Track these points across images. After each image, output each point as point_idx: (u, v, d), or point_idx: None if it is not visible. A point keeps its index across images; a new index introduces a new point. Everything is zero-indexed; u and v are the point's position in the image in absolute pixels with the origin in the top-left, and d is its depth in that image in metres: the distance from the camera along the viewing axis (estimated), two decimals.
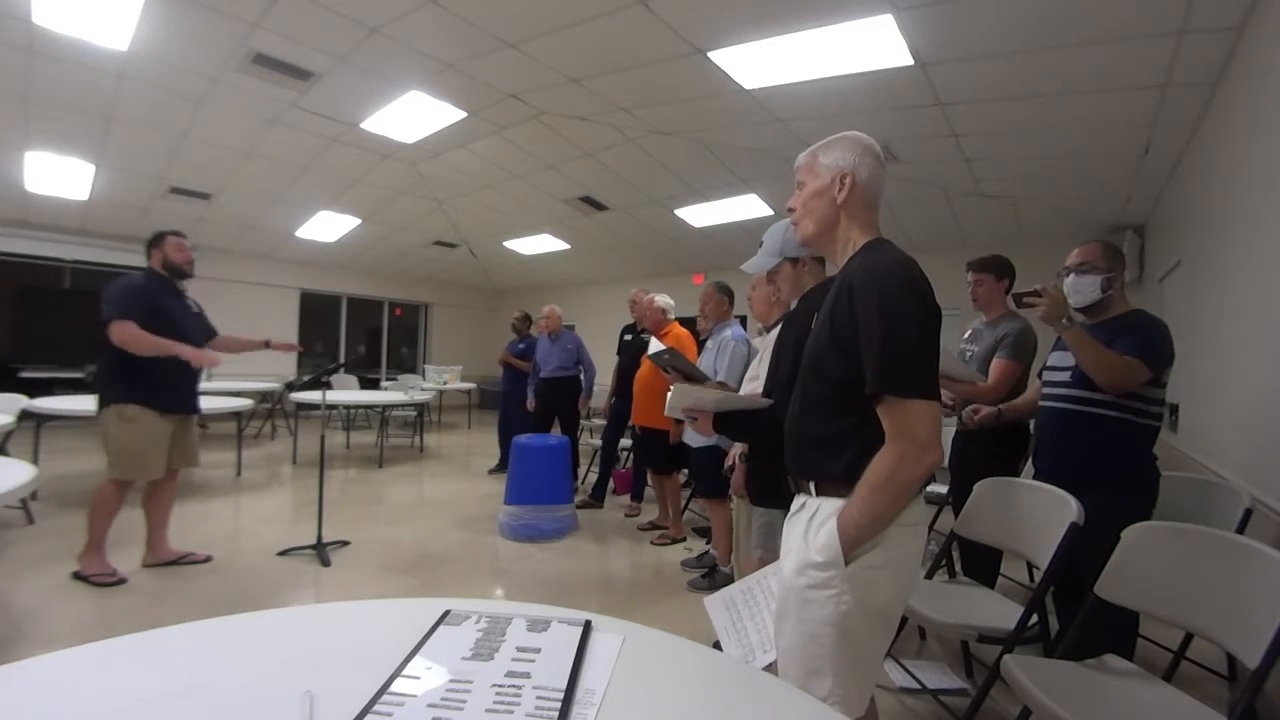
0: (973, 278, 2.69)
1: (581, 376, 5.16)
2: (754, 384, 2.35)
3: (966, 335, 2.76)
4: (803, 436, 1.20)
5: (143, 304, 2.81)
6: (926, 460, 1.02)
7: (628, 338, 4.74)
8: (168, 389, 2.90)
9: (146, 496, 3.03)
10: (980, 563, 2.49)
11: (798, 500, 1.23)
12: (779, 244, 1.79)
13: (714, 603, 1.40)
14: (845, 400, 1.10)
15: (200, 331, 3.11)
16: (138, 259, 3.11)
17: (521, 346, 5.83)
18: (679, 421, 3.45)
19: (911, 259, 1.11)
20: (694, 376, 1.90)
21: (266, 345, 3.39)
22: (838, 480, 1.11)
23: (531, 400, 5.27)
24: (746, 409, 1.58)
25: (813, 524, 1.13)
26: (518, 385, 5.65)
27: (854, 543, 1.05)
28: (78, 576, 2.78)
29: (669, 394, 1.50)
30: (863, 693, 1.10)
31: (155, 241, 3.03)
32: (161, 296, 2.92)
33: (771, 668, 1.16)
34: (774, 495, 1.82)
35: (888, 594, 1.08)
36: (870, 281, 1.07)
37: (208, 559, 3.13)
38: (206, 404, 5.00)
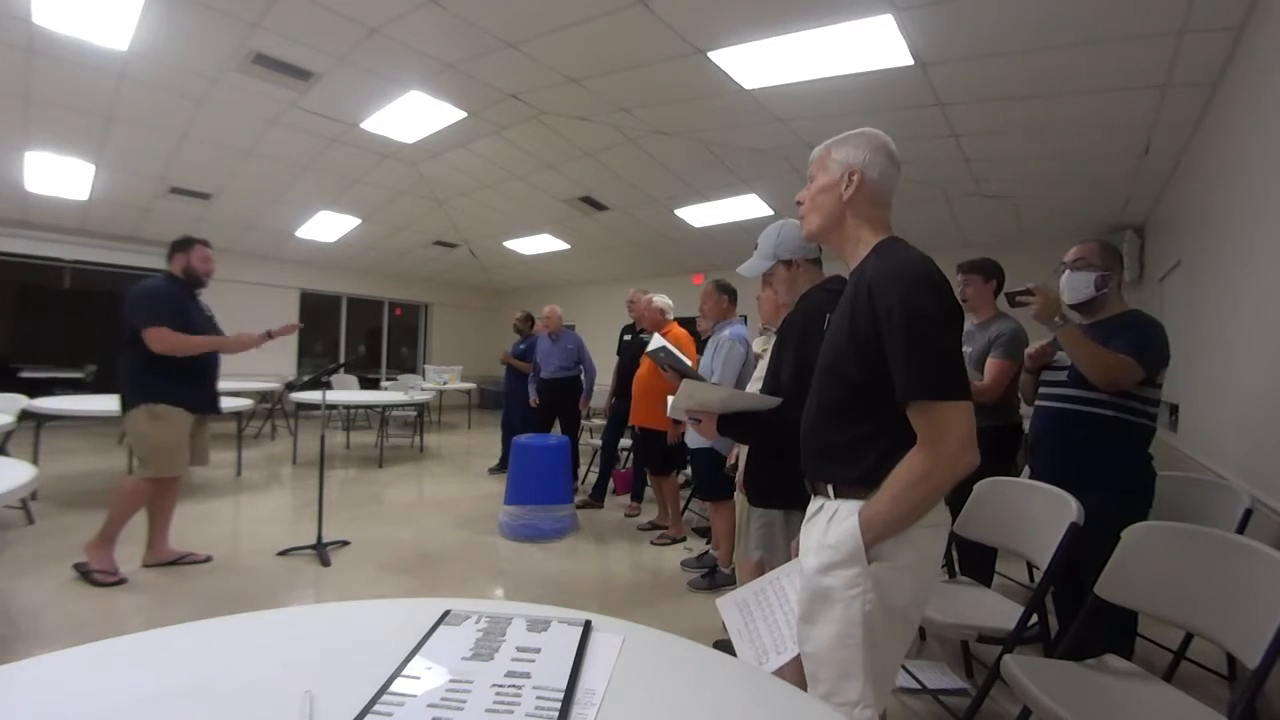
0: (961, 279, 2.70)
1: (582, 377, 5.16)
2: (758, 386, 2.34)
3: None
4: (820, 441, 1.18)
5: (172, 309, 2.89)
6: (964, 462, 1.01)
7: (627, 338, 4.75)
8: (193, 388, 2.98)
9: (152, 496, 3.02)
10: (975, 562, 2.49)
11: (815, 503, 1.21)
12: (772, 247, 1.79)
13: (726, 604, 1.39)
14: (864, 404, 1.09)
15: (213, 333, 3.15)
16: (137, 259, 3.11)
17: (523, 347, 5.83)
18: (677, 422, 3.45)
19: (928, 257, 1.09)
20: (688, 376, 1.91)
21: (268, 336, 3.38)
22: (856, 484, 1.10)
23: (534, 397, 5.27)
24: (752, 409, 1.56)
25: (832, 525, 1.12)
26: (520, 385, 5.66)
27: (878, 537, 1.04)
28: (79, 568, 2.77)
29: (672, 394, 1.49)
30: (885, 693, 1.10)
31: (182, 246, 3.06)
32: (184, 301, 2.98)
33: (782, 670, 1.15)
34: (774, 496, 1.81)
35: (910, 595, 1.07)
36: (890, 283, 1.05)
37: (208, 559, 3.13)
38: None
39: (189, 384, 2.95)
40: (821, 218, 1.21)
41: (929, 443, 1.02)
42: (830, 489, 1.15)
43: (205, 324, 3.10)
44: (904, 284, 1.04)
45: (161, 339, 2.81)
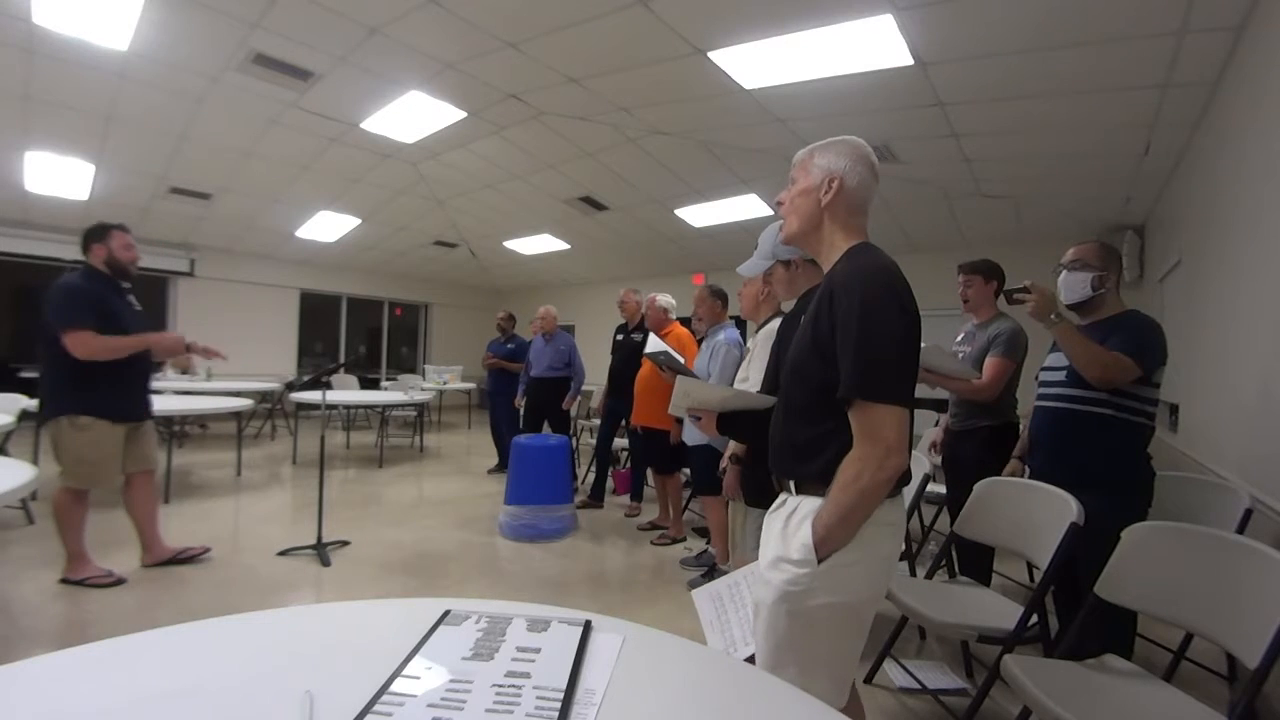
0: (962, 279, 2.70)
1: (571, 379, 5.15)
2: (744, 385, 2.34)
3: (959, 338, 2.76)
4: (784, 440, 1.22)
5: (93, 309, 2.63)
6: (891, 463, 1.04)
7: (619, 338, 4.75)
8: (119, 398, 2.76)
9: (127, 502, 2.97)
10: (973, 562, 2.49)
11: (779, 498, 1.25)
12: (770, 247, 1.80)
13: (701, 595, 1.42)
14: (825, 405, 1.12)
15: (143, 331, 2.93)
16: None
17: (511, 347, 5.80)
18: (679, 421, 3.45)
19: (893, 263, 1.12)
20: (685, 375, 1.90)
21: (187, 349, 3.10)
22: (815, 480, 1.13)
23: (520, 396, 5.25)
24: (751, 408, 1.57)
25: (791, 521, 1.15)
26: (505, 386, 5.65)
27: (824, 543, 1.07)
28: (68, 581, 2.72)
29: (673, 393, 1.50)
30: (835, 685, 1.13)
31: (98, 235, 2.77)
32: (108, 297, 2.74)
33: (752, 659, 1.18)
34: (770, 496, 1.81)
35: (859, 590, 1.10)
36: (851, 287, 1.09)
37: (206, 550, 3.13)
38: (207, 404, 5.02)
39: (117, 392, 2.72)
40: (800, 221, 1.25)
41: (859, 442, 1.06)
42: (792, 485, 1.19)
43: (133, 320, 2.84)
44: (864, 288, 1.07)
45: (84, 344, 2.55)
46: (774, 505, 1.26)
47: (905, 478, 1.12)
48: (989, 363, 2.48)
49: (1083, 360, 1.82)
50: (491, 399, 5.97)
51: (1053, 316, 1.86)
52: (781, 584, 1.11)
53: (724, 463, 2.69)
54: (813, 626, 1.08)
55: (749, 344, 3.18)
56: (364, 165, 5.58)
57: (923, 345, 2.50)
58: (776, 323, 2.38)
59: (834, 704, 1.09)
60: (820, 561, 1.07)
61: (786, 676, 1.06)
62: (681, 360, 1.93)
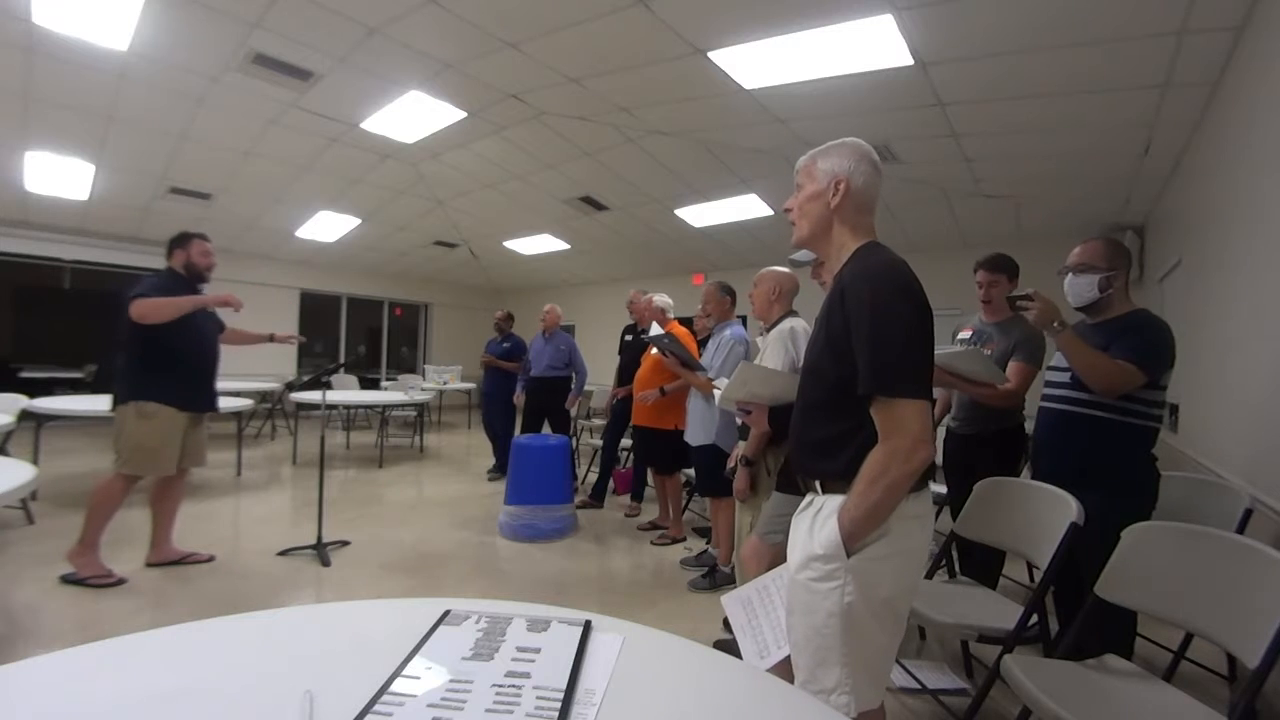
0: (987, 278, 2.58)
1: (572, 378, 5.14)
2: None
3: (967, 335, 2.71)
4: (805, 438, 1.23)
5: (167, 294, 2.83)
6: (918, 456, 1.05)
7: (628, 338, 4.75)
8: (189, 387, 2.94)
9: (155, 496, 3.02)
10: (979, 563, 2.47)
11: (806, 497, 1.26)
12: None
13: (731, 600, 1.42)
14: (842, 402, 1.13)
15: (212, 328, 3.14)
16: (137, 259, 3.10)
17: (506, 346, 5.77)
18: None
19: (902, 260, 1.13)
20: (689, 363, 1.91)
21: (271, 339, 3.47)
22: (839, 478, 1.14)
23: (520, 394, 5.25)
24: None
25: (818, 519, 1.16)
26: (500, 386, 5.63)
27: (851, 536, 1.08)
28: (69, 580, 2.72)
29: (721, 383, 1.50)
30: (874, 683, 1.12)
31: (180, 242, 3.02)
32: (183, 295, 2.93)
33: (785, 662, 1.17)
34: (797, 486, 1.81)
35: (892, 585, 1.10)
36: (860, 285, 1.10)
37: (211, 559, 3.13)
38: None
39: (184, 382, 2.90)
40: (811, 224, 1.26)
41: (885, 438, 1.07)
42: (818, 484, 1.20)
43: (205, 320, 3.04)
44: (874, 285, 1.09)
45: (143, 305, 2.69)
46: (801, 506, 1.27)
47: (930, 471, 1.12)
48: (1014, 368, 2.41)
49: (1086, 371, 1.81)
50: (485, 399, 5.94)
51: (1055, 325, 1.85)
52: (813, 583, 1.11)
53: (731, 462, 2.69)
54: (851, 625, 1.08)
55: (758, 342, 3.20)
56: (364, 165, 5.58)
57: (959, 349, 2.42)
58: (789, 322, 2.39)
59: (874, 701, 1.11)
60: (849, 555, 1.08)
61: (831, 678, 1.07)
62: (682, 344, 1.93)
